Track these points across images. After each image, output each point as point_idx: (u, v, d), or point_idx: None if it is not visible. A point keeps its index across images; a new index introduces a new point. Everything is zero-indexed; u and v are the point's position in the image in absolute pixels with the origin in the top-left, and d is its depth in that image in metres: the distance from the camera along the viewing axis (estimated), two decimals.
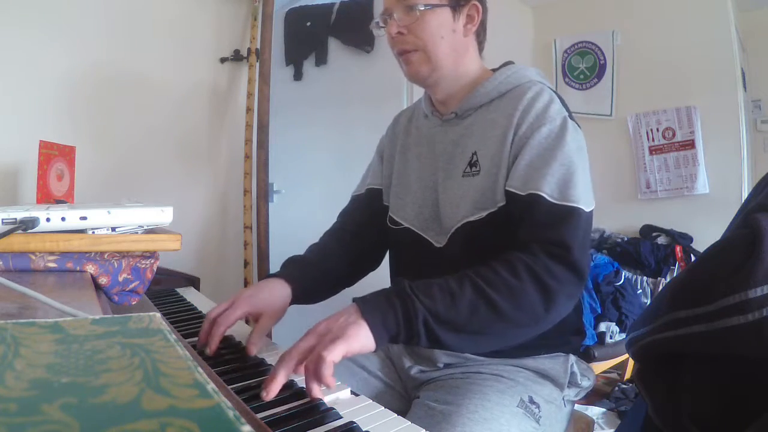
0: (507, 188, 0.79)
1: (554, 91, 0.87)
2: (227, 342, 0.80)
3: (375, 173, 1.06)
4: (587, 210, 0.76)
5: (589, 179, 0.79)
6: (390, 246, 1.02)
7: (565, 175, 0.76)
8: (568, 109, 0.84)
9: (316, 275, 0.91)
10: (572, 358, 0.87)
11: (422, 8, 0.84)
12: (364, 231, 1.02)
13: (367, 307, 0.66)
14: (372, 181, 1.06)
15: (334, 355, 0.59)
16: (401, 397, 0.91)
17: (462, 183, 0.86)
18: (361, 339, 0.63)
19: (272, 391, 0.58)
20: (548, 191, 0.75)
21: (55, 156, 1.24)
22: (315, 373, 0.58)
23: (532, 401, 0.80)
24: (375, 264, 1.05)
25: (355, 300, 0.68)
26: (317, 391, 0.59)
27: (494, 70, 0.92)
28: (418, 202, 0.93)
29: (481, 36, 0.93)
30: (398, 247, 1.00)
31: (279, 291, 0.84)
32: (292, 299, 0.85)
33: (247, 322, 0.91)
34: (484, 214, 0.82)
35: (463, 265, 0.83)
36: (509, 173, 0.80)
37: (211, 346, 0.73)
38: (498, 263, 0.72)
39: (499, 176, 0.81)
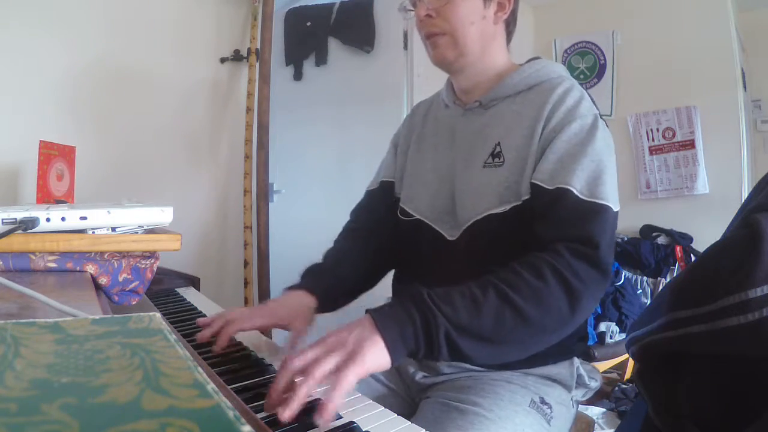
0: (533, 181, 0.76)
1: (584, 90, 0.85)
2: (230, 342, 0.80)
3: (388, 166, 1.04)
4: (615, 210, 0.74)
5: (616, 180, 0.77)
6: (399, 239, 0.98)
7: (595, 171, 0.74)
8: (597, 108, 0.83)
9: (335, 283, 0.90)
10: (576, 361, 0.86)
11: None
12: (379, 227, 0.99)
13: (383, 319, 0.60)
14: (385, 174, 1.04)
15: (349, 383, 0.54)
16: (404, 401, 0.90)
17: (482, 173, 0.83)
18: (376, 357, 0.58)
19: (274, 401, 0.54)
20: (578, 187, 0.73)
21: (55, 156, 1.24)
22: (328, 398, 0.53)
23: (543, 402, 0.79)
24: (393, 262, 1.01)
25: (369, 311, 0.62)
26: (331, 412, 0.53)
27: (520, 65, 0.90)
28: (432, 192, 0.90)
29: (511, 26, 0.91)
30: (408, 240, 0.96)
31: (305, 301, 0.83)
32: (317, 308, 0.84)
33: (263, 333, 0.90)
34: (507, 207, 0.80)
35: (474, 260, 0.81)
36: (536, 166, 0.78)
37: (219, 342, 0.70)
38: (520, 265, 0.68)
39: (526, 168, 0.79)
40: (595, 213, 0.72)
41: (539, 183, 0.76)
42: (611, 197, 0.74)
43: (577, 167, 0.74)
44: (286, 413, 0.52)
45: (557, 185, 0.74)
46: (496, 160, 0.82)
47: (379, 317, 0.61)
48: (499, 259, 0.79)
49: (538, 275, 0.66)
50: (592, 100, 0.84)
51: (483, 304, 0.63)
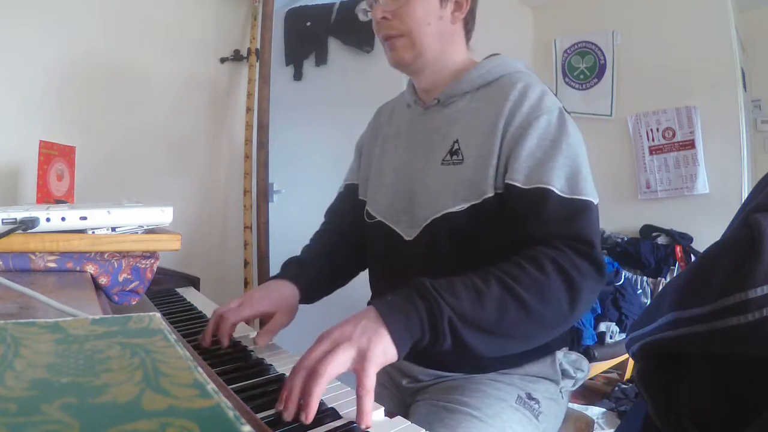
0: (507, 181, 0.75)
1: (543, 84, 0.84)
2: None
3: (352, 169, 1.06)
4: (596, 203, 0.73)
5: (590, 171, 0.76)
6: (366, 241, 0.98)
7: (572, 168, 0.73)
8: (560, 101, 0.82)
9: (315, 275, 0.91)
10: (559, 355, 0.85)
11: None
12: (347, 229, 1.01)
13: (387, 310, 0.59)
14: (350, 177, 1.06)
15: (372, 382, 0.54)
16: (399, 400, 0.91)
17: (440, 171, 0.82)
18: (385, 352, 0.57)
19: (290, 410, 0.53)
20: (558, 186, 0.72)
21: (55, 156, 1.24)
22: (360, 405, 0.53)
23: (530, 397, 0.79)
24: (364, 262, 1.02)
25: (373, 303, 0.62)
26: (369, 414, 0.54)
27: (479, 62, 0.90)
28: (391, 193, 0.90)
29: (469, 24, 0.90)
30: (371, 242, 0.96)
31: (289, 291, 0.84)
32: (300, 299, 0.86)
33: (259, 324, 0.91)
34: (465, 205, 0.78)
35: (433, 260, 0.81)
36: (507, 166, 0.76)
37: (223, 341, 0.73)
38: (522, 258, 0.67)
39: (489, 167, 0.77)
40: (581, 210, 0.71)
41: (514, 183, 0.74)
42: (591, 191, 0.73)
43: (554, 165, 0.73)
44: (309, 417, 0.52)
45: (535, 185, 0.73)
46: (455, 157, 0.81)
47: (384, 309, 0.60)
48: (459, 258, 0.78)
49: (540, 268, 0.66)
50: (553, 93, 0.83)
51: (486, 294, 0.63)
